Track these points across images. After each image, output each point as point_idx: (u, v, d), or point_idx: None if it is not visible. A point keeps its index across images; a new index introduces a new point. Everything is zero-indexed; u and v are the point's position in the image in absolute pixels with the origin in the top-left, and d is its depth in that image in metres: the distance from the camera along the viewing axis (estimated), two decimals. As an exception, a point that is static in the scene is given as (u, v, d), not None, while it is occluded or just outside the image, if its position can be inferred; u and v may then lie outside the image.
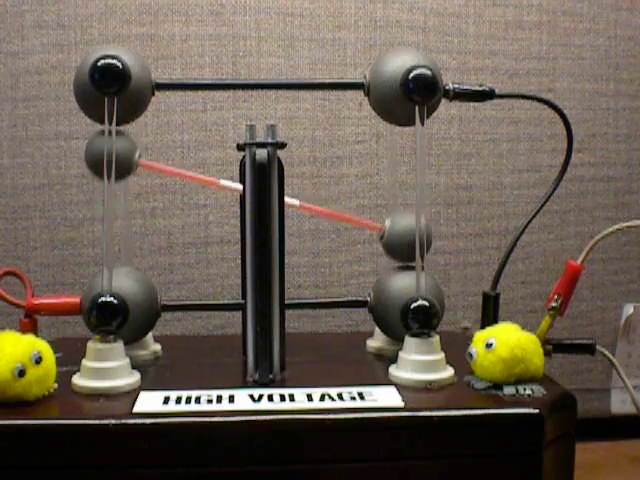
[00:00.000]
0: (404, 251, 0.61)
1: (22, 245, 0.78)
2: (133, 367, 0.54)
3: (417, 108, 0.55)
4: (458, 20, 0.81)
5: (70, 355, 0.56)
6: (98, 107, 0.54)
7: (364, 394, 0.51)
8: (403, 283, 0.59)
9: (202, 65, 0.78)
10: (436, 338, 0.54)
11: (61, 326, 0.76)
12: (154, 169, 0.63)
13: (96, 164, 0.57)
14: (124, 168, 0.58)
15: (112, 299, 0.53)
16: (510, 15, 0.82)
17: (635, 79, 0.85)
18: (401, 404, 0.49)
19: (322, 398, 0.50)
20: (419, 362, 0.53)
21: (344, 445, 0.47)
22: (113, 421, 0.46)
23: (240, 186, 0.60)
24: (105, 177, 0.54)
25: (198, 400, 0.50)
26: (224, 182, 0.62)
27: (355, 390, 0.52)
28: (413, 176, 0.80)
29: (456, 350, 0.56)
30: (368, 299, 0.61)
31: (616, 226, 0.57)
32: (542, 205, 0.62)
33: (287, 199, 0.59)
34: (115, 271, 0.56)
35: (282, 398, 0.50)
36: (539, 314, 0.58)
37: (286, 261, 0.58)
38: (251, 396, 0.50)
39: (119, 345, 0.53)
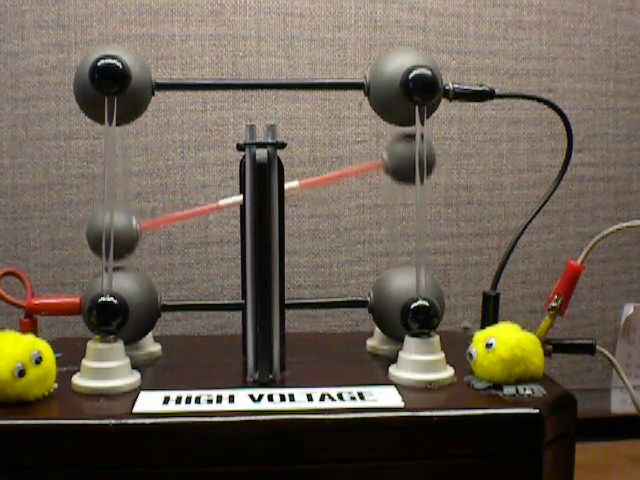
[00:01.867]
0: (410, 172, 0.57)
1: (22, 245, 0.78)
2: (133, 367, 0.54)
3: (417, 108, 0.55)
4: (458, 20, 0.81)
5: (70, 355, 0.56)
6: (98, 107, 0.54)
7: (364, 394, 0.51)
8: (403, 283, 0.59)
9: (202, 65, 0.78)
10: (436, 338, 0.54)
11: (61, 326, 0.76)
12: (157, 225, 0.63)
13: (99, 244, 0.56)
14: (127, 244, 0.58)
15: (112, 299, 0.53)
16: (510, 15, 0.82)
17: (635, 79, 0.85)
18: (401, 404, 0.49)
19: (322, 398, 0.50)
20: (419, 362, 0.53)
21: (344, 445, 0.47)
22: (113, 421, 0.46)
23: (239, 198, 0.59)
24: (105, 176, 0.54)
25: (198, 400, 0.50)
26: (223, 202, 0.62)
27: (355, 390, 0.52)
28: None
29: (456, 350, 0.56)
30: (368, 299, 0.61)
31: (616, 226, 0.57)
32: (542, 205, 0.62)
33: (286, 184, 0.58)
34: (115, 271, 0.56)
35: (282, 398, 0.50)
36: (539, 314, 0.58)
37: (286, 261, 0.58)
38: (251, 396, 0.50)
39: (119, 345, 0.53)
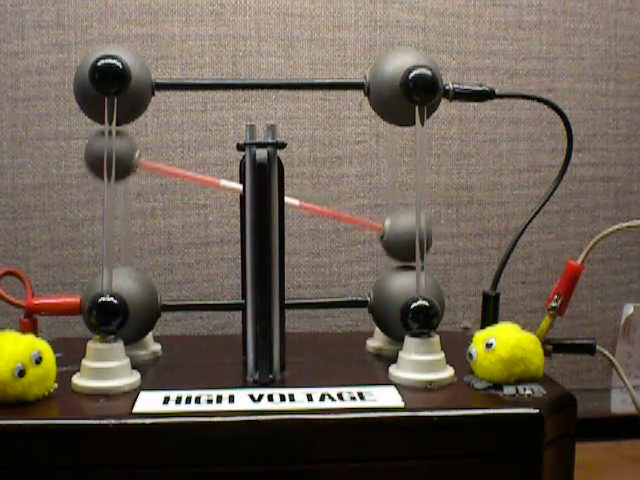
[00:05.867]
0: (404, 251, 0.61)
1: (22, 245, 0.78)
2: (133, 367, 0.54)
3: (417, 108, 0.55)
4: (458, 20, 0.81)
5: (70, 355, 0.56)
6: (98, 107, 0.54)
7: (364, 394, 0.51)
8: (403, 283, 0.59)
9: (202, 65, 0.78)
10: (436, 338, 0.54)
11: (61, 326, 0.76)
12: (154, 169, 0.63)
13: (96, 164, 0.57)
14: (124, 168, 0.58)
15: (112, 299, 0.53)
16: (510, 15, 0.82)
17: (635, 79, 0.85)
18: (401, 404, 0.49)
19: (322, 398, 0.50)
20: (419, 362, 0.53)
21: (344, 445, 0.47)
22: (113, 421, 0.46)
23: (240, 186, 0.60)
24: (105, 177, 0.54)
25: (198, 400, 0.50)
26: (224, 182, 0.62)
27: (355, 390, 0.52)
28: (413, 176, 0.80)
29: (456, 350, 0.56)
30: (368, 299, 0.61)
31: (616, 226, 0.57)
32: (542, 205, 0.62)
33: (287, 199, 0.59)
34: (115, 271, 0.56)
35: (282, 398, 0.50)
36: (539, 314, 0.58)
37: (286, 261, 0.58)
38: (251, 396, 0.50)
39: (119, 345, 0.53)
